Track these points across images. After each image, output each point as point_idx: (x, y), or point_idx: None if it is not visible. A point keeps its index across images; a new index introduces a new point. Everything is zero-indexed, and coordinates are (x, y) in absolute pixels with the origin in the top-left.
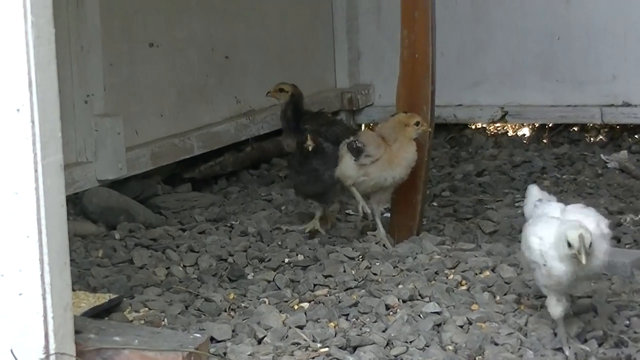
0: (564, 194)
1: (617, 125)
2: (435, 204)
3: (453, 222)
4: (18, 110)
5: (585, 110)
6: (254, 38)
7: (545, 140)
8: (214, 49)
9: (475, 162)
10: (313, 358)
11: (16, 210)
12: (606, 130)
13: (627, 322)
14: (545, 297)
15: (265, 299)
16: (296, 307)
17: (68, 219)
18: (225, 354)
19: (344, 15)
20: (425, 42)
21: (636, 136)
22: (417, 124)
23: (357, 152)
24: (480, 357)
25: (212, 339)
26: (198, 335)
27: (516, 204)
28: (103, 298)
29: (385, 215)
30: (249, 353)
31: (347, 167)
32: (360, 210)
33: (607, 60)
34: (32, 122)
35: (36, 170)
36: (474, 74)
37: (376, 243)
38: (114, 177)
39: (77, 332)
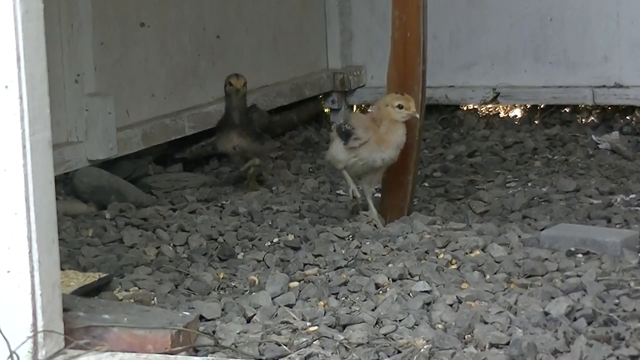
0: (555, 174)
1: (609, 106)
2: (426, 184)
3: (444, 202)
4: (6, 87)
5: (577, 91)
6: (246, 19)
7: (537, 121)
8: (206, 30)
9: (466, 143)
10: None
11: (4, 187)
12: (598, 111)
13: (617, 300)
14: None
15: (256, 278)
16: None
17: (58, 199)
18: (214, 332)
19: None
20: (417, 23)
21: (628, 117)
22: (400, 107)
23: (345, 136)
24: (469, 335)
25: (201, 317)
26: (187, 313)
27: (507, 185)
28: (93, 277)
29: (376, 195)
30: (237, 331)
31: (337, 150)
32: (350, 193)
33: (599, 42)
34: (20, 98)
35: (24, 147)
36: (467, 55)
37: (367, 223)
38: (104, 157)
39: (65, 310)
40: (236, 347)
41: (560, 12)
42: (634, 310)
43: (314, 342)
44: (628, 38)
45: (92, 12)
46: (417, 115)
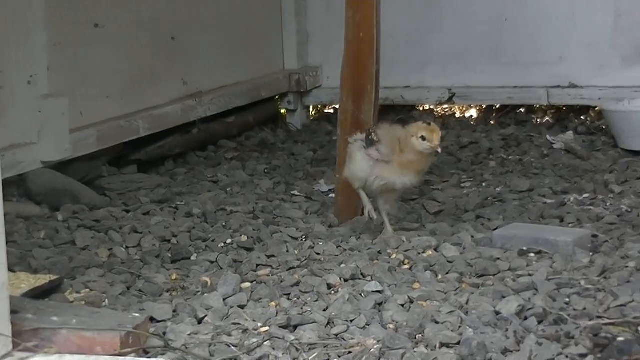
0: (510, 174)
1: (564, 106)
2: None
3: (398, 202)
4: None
5: (532, 91)
6: (202, 20)
7: (492, 122)
8: (161, 31)
9: None
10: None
11: None
12: (553, 111)
13: (567, 299)
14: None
15: (208, 279)
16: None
17: (11, 201)
18: (164, 333)
19: None
20: (371, 22)
21: (582, 117)
22: (423, 138)
23: (369, 143)
24: (420, 335)
25: (152, 319)
26: (137, 315)
27: (462, 185)
28: (44, 279)
29: (330, 196)
30: (188, 333)
31: (357, 168)
32: (366, 214)
33: (554, 42)
34: None
35: None
36: (422, 56)
37: (384, 240)
38: (58, 159)
39: (14, 312)
40: (186, 348)
41: (516, 13)
42: (584, 309)
43: (265, 343)
44: (583, 38)
45: (46, 12)
46: (439, 150)
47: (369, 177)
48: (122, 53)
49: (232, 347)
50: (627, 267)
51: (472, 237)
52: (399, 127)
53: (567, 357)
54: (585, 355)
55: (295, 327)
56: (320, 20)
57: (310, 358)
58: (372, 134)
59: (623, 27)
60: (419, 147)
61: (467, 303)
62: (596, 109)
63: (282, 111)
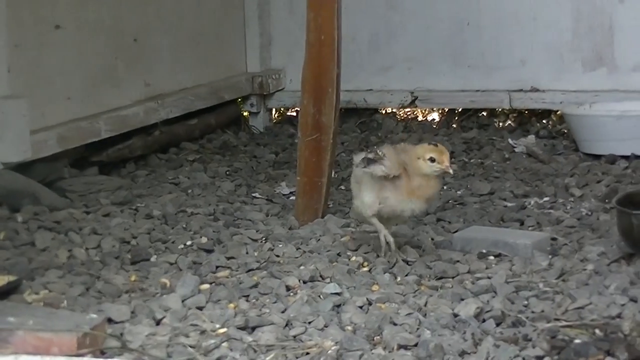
0: (471, 177)
1: (526, 110)
2: (343, 187)
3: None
4: None
5: (494, 95)
6: (165, 22)
7: (454, 125)
8: (123, 32)
9: None
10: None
11: None
12: (515, 115)
13: (526, 302)
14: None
15: (167, 281)
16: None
17: None
18: (122, 334)
19: (256, 0)
20: (331, 25)
21: (544, 121)
22: (432, 160)
23: (370, 162)
24: (378, 337)
25: (110, 320)
26: (94, 316)
27: None
28: (2, 280)
29: (291, 198)
30: (146, 334)
31: (365, 197)
32: (382, 239)
33: (516, 46)
34: None
35: None
36: (385, 59)
37: (388, 260)
38: (18, 160)
39: None
40: (144, 349)
41: (478, 16)
42: (542, 311)
43: (223, 344)
44: (545, 42)
45: (7, 13)
46: (451, 172)
47: (377, 205)
48: (84, 54)
49: (190, 348)
50: (585, 270)
51: (432, 239)
52: (401, 146)
53: (524, 359)
54: (542, 357)
55: (254, 328)
56: (283, 23)
57: (267, 359)
58: (374, 151)
59: (584, 32)
60: (427, 170)
61: (425, 305)
62: (557, 112)
63: (245, 114)
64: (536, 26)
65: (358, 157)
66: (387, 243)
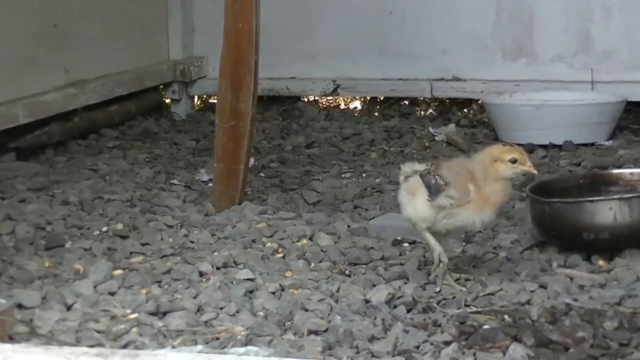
0: (390, 165)
1: (447, 99)
2: (262, 174)
3: (278, 192)
4: None
5: (415, 84)
6: (85, 7)
7: (376, 114)
8: (42, 18)
9: (305, 134)
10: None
11: None
12: (436, 104)
13: (437, 289)
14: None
15: (80, 267)
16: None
17: None
18: (32, 320)
19: None
20: (250, 13)
21: (465, 110)
22: (514, 161)
23: (435, 190)
24: (289, 322)
25: (20, 306)
26: (3, 301)
27: (342, 175)
28: None
29: (209, 185)
30: (56, 319)
31: (422, 206)
32: (436, 258)
33: (438, 35)
34: None
35: None
36: (308, 47)
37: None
38: None
39: None
40: (53, 334)
41: (401, 5)
42: (453, 297)
43: (133, 330)
44: (466, 32)
45: None
46: (537, 172)
47: (437, 218)
48: (2, 39)
49: (100, 333)
50: (497, 256)
51: (348, 226)
52: (460, 160)
53: (432, 344)
54: (449, 343)
55: (165, 313)
56: (206, 10)
57: (175, 344)
58: (434, 177)
59: (505, 23)
60: (508, 173)
61: (337, 291)
62: (478, 102)
63: (167, 101)
64: (458, 15)
65: (408, 168)
66: (441, 261)
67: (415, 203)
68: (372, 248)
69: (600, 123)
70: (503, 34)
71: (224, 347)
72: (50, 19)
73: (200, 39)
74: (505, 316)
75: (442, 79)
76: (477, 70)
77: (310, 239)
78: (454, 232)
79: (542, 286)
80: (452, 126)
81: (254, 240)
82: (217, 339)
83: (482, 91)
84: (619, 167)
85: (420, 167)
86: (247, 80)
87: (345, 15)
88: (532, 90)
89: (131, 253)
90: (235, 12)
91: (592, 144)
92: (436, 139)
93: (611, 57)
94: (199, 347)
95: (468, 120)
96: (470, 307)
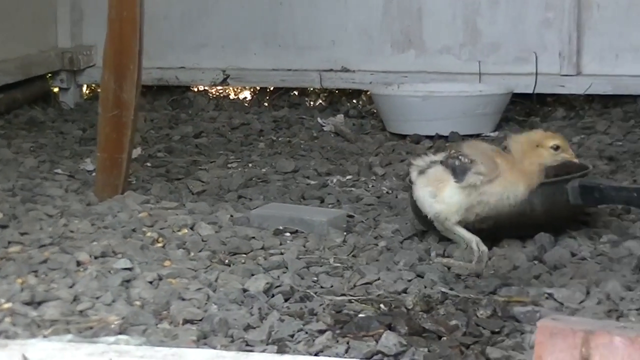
0: (277, 155)
1: (336, 89)
2: (149, 164)
3: (162, 181)
4: None
5: (305, 74)
6: None
7: (265, 104)
8: None
9: (194, 124)
10: None
11: None
12: (326, 94)
13: (315, 278)
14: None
15: None
16: None
17: None
18: None
19: None
20: (133, 2)
21: (354, 101)
22: (556, 148)
23: (461, 171)
24: (165, 312)
25: None
26: None
27: (229, 165)
28: None
29: (93, 174)
30: None
31: (451, 194)
32: (475, 249)
33: (327, 26)
34: None
35: None
36: (198, 37)
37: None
38: None
39: None
40: None
41: None
42: (332, 286)
43: (6, 319)
44: (356, 23)
45: None
46: (577, 160)
47: (469, 202)
48: None
49: None
50: (377, 246)
51: (231, 216)
52: (479, 142)
53: (306, 332)
54: (324, 331)
55: (40, 303)
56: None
57: (47, 333)
58: (459, 157)
59: (393, 13)
60: (549, 159)
61: (216, 280)
62: (367, 93)
63: (55, 90)
64: (348, 7)
65: (421, 161)
66: (481, 252)
67: (441, 194)
68: (253, 237)
69: (486, 114)
70: (392, 25)
71: (95, 337)
72: None
73: (89, 27)
74: (381, 305)
75: (331, 70)
76: (365, 61)
77: (192, 228)
78: (485, 221)
79: (419, 275)
80: (340, 117)
81: (134, 230)
82: (91, 328)
83: (370, 82)
84: None
85: (437, 157)
86: (131, 69)
87: (236, 5)
88: (420, 82)
89: (9, 242)
90: (119, 1)
91: (478, 135)
92: (324, 130)
93: (498, 49)
94: (69, 336)
95: (357, 111)
96: (347, 296)
